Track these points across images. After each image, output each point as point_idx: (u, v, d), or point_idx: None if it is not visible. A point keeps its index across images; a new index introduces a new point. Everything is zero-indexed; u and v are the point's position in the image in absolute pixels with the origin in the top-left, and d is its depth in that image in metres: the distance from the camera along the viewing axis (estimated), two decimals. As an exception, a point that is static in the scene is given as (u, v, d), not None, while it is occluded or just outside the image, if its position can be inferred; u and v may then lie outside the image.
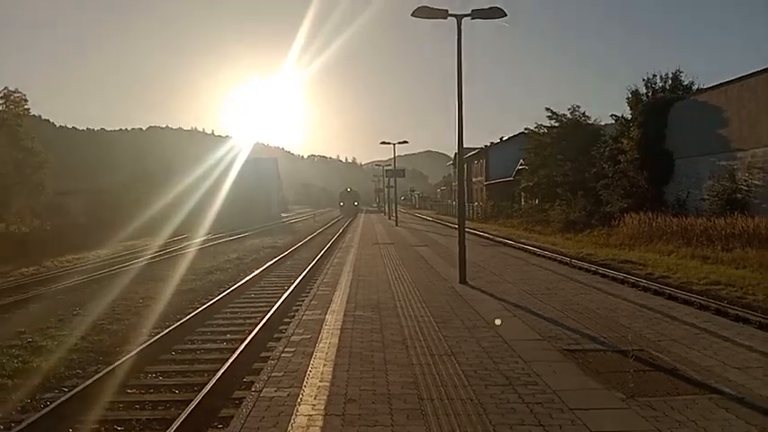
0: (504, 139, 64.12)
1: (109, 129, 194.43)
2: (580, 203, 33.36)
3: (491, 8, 12.41)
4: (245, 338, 9.45)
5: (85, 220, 38.86)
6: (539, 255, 21.20)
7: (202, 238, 33.14)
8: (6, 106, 46.77)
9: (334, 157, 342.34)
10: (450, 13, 12.60)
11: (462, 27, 12.76)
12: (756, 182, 22.82)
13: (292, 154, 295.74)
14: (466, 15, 12.63)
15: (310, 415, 5.23)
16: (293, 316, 10.42)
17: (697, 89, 30.01)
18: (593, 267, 17.22)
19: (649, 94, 31.15)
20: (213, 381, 7.26)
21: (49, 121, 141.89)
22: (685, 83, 31.26)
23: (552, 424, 4.93)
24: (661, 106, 29.22)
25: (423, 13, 12.57)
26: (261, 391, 5.90)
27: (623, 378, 6.01)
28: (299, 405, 5.47)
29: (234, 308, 13.18)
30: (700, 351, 7.07)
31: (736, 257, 17.75)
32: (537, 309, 9.91)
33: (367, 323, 8.97)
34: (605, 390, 5.76)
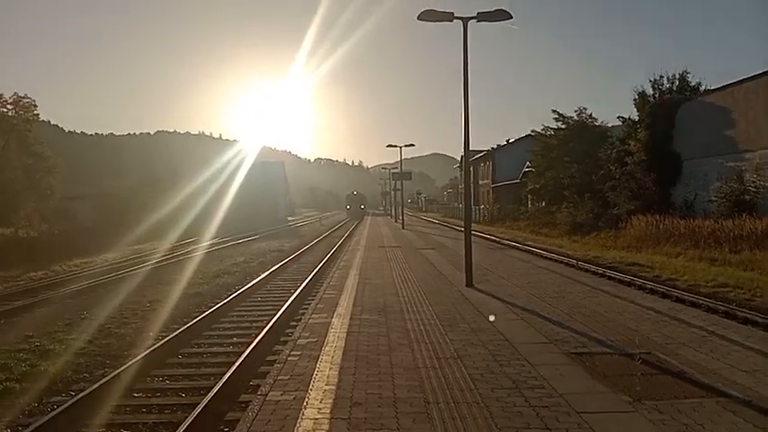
0: (510, 141, 64.10)
1: (117, 133, 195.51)
2: (587, 206, 33.26)
3: (496, 11, 12.41)
4: (252, 342, 9.48)
5: (93, 224, 39.05)
6: (545, 257, 21.13)
7: (210, 242, 33.24)
8: (16, 112, 47.18)
9: (341, 160, 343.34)
10: (455, 15, 12.61)
11: (468, 29, 12.75)
12: (764, 183, 22.70)
13: (299, 157, 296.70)
14: (471, 18, 12.62)
15: (316, 419, 5.23)
16: (299, 319, 10.42)
17: (704, 90, 29.88)
18: (600, 270, 17.15)
19: (656, 95, 31.03)
20: (219, 384, 7.27)
21: (57, 126, 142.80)
22: (692, 84, 31.14)
23: (559, 427, 4.90)
24: (668, 107, 29.14)
25: (429, 16, 12.61)
26: (267, 395, 5.90)
27: (630, 381, 5.97)
28: (305, 409, 5.47)
29: (241, 311, 13.21)
30: (707, 354, 7.02)
31: (744, 259, 17.65)
32: (544, 312, 9.88)
33: (373, 326, 8.97)
34: (612, 393, 5.73)
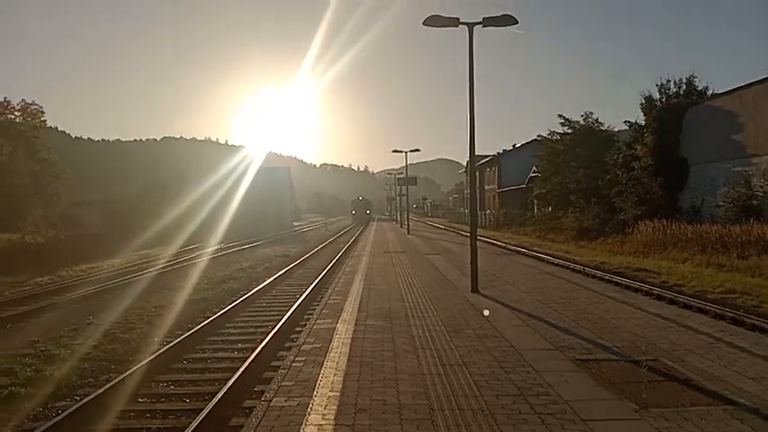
0: (516, 146, 63.99)
1: (124, 139, 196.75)
2: (593, 211, 33.15)
3: (502, 16, 12.41)
4: (256, 347, 9.46)
5: (100, 230, 39.19)
6: (552, 263, 21.05)
7: (215, 247, 33.30)
8: (23, 118, 47.56)
9: (346, 165, 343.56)
10: (461, 21, 12.60)
11: (473, 34, 12.75)
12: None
13: (305, 163, 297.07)
14: (477, 23, 12.61)
15: (320, 425, 5.21)
16: (304, 325, 10.42)
17: (711, 94, 29.77)
18: (607, 276, 17.06)
19: (663, 99, 30.92)
20: (224, 390, 7.26)
21: (65, 132, 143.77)
22: (699, 88, 31.02)
23: (564, 435, 4.87)
24: (675, 112, 29.04)
25: (434, 21, 12.61)
26: (271, 401, 5.89)
27: (636, 388, 5.93)
28: (309, 415, 5.45)
29: (245, 317, 13.20)
30: (714, 361, 6.97)
31: (752, 265, 17.52)
32: (549, 318, 9.83)
33: (378, 332, 8.94)
34: (618, 400, 5.68)
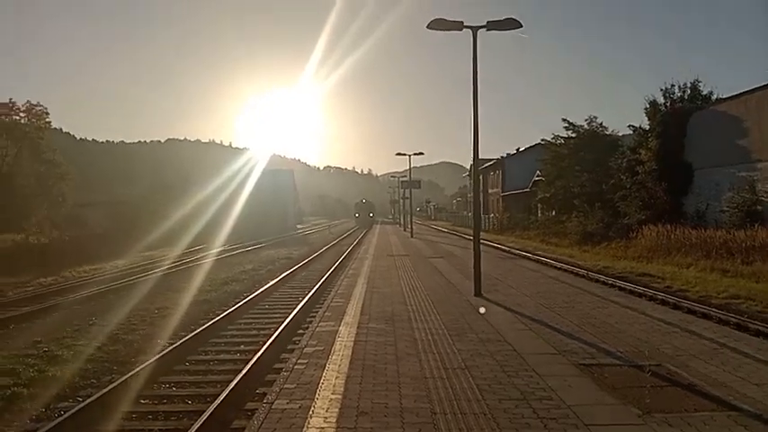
0: (520, 150, 63.99)
1: (128, 141, 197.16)
2: (597, 215, 33.09)
3: (506, 20, 12.40)
4: (259, 350, 9.46)
5: (104, 231, 39.30)
6: (555, 267, 21.02)
7: (219, 249, 33.35)
8: (28, 119, 47.75)
9: (350, 168, 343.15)
10: (465, 24, 12.60)
11: (476, 38, 12.74)
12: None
13: (309, 166, 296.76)
14: (481, 27, 12.60)
15: (322, 428, 5.20)
16: (307, 327, 10.42)
17: (716, 99, 29.70)
18: (611, 280, 17.03)
19: (667, 104, 30.89)
20: (226, 392, 7.26)
21: (69, 133, 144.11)
22: (704, 92, 30.96)
23: (566, 440, 4.85)
24: (679, 116, 28.98)
25: (438, 25, 12.62)
26: (273, 403, 5.88)
27: (640, 393, 5.90)
28: (311, 417, 5.44)
29: (248, 319, 13.21)
30: (718, 366, 6.93)
31: (756, 271, 17.45)
32: (553, 322, 9.80)
33: (381, 335, 8.93)
34: (621, 405, 5.66)
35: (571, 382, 6.42)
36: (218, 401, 6.90)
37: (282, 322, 11.74)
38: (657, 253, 23.31)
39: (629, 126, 33.15)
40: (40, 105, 48.35)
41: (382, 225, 77.23)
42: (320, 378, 6.70)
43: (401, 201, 63.82)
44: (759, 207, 22.83)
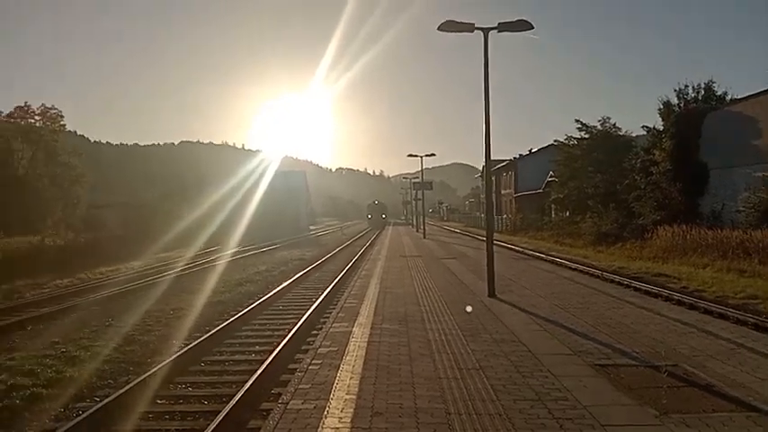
0: (533, 150, 63.73)
1: (142, 143, 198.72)
2: (612, 216, 32.88)
3: (518, 21, 12.35)
4: (273, 350, 9.50)
5: (119, 233, 39.60)
6: (570, 268, 20.90)
7: (233, 251, 33.52)
8: (43, 123, 48.28)
9: (362, 170, 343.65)
10: (476, 26, 12.56)
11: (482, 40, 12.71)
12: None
13: (321, 167, 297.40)
14: (492, 28, 12.56)
15: (337, 428, 5.22)
16: (321, 328, 10.44)
17: (730, 99, 29.42)
18: (626, 281, 16.91)
19: (681, 104, 30.65)
20: (241, 392, 7.30)
21: (83, 136, 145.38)
22: (718, 93, 30.70)
23: (583, 440, 4.83)
24: (694, 117, 28.75)
25: (449, 27, 12.59)
26: (288, 404, 5.91)
27: (656, 394, 5.86)
28: (326, 418, 5.46)
29: (262, 320, 13.26)
30: (736, 367, 6.86)
31: (774, 271, 17.26)
32: (567, 323, 9.75)
33: (394, 336, 8.94)
34: (638, 406, 5.62)
35: (587, 382, 6.39)
36: (233, 402, 6.94)
37: (296, 323, 11.79)
38: (673, 253, 23.14)
39: (642, 127, 32.95)
40: (55, 108, 48.90)
41: (395, 226, 77.23)
42: (335, 378, 6.72)
43: (413, 202, 63.77)
44: (776, 207, 22.57)
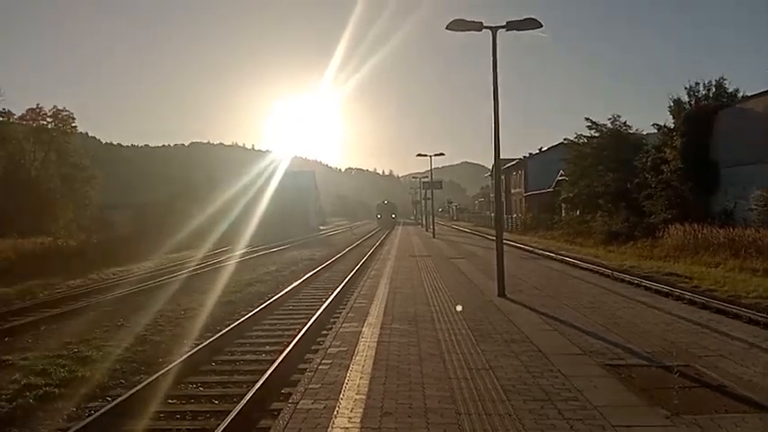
0: (543, 149, 63.51)
1: (153, 145, 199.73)
2: (622, 215, 32.69)
3: (526, 19, 12.32)
4: (283, 350, 9.53)
5: (131, 233, 39.86)
6: (580, 267, 20.82)
7: (243, 251, 33.63)
8: (55, 124, 48.62)
9: (371, 169, 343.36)
10: (485, 25, 12.54)
11: (498, 39, 12.68)
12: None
13: (330, 167, 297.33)
14: (501, 27, 12.54)
15: (346, 428, 5.23)
16: (330, 328, 10.46)
17: (742, 97, 29.16)
18: (637, 280, 16.82)
19: (692, 102, 30.42)
20: (252, 392, 7.33)
21: (95, 137, 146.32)
22: (730, 90, 30.44)
23: (593, 441, 4.81)
24: (705, 114, 28.53)
25: (458, 26, 12.58)
26: (298, 403, 5.93)
27: (667, 394, 5.83)
28: (336, 418, 5.48)
29: (272, 320, 13.31)
30: (749, 367, 6.81)
31: (787, 270, 17.11)
32: (578, 323, 9.72)
33: (404, 336, 8.94)
34: (648, 406, 5.59)
35: (597, 382, 6.37)
36: (243, 401, 6.97)
37: (306, 323, 11.82)
38: (684, 252, 22.97)
39: (653, 125, 32.73)
40: (66, 110, 49.21)
41: (404, 226, 77.21)
42: (344, 378, 6.73)
43: (423, 201, 63.75)
44: (789, 205, 22.37)
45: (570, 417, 5.33)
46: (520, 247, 31.33)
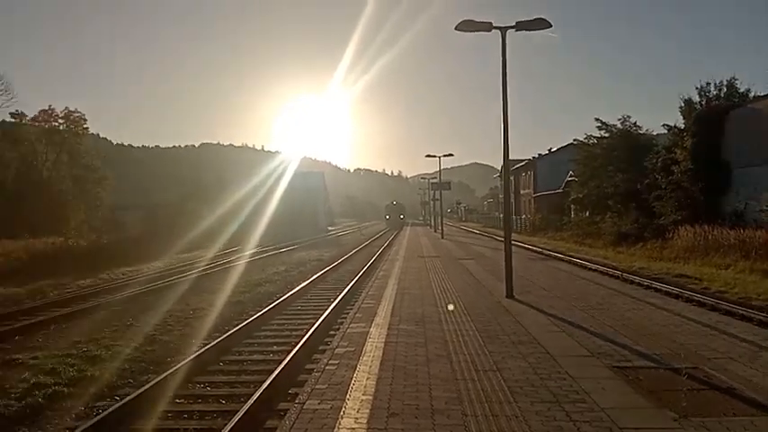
0: (552, 150, 63.27)
1: (163, 146, 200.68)
2: (632, 216, 32.51)
3: (535, 20, 12.27)
4: (291, 350, 9.55)
5: (141, 233, 40.10)
6: (589, 269, 20.73)
7: (252, 251, 33.75)
8: (66, 126, 49.03)
9: (380, 170, 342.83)
10: (494, 25, 12.51)
11: (507, 39, 12.64)
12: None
13: (339, 168, 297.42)
14: (510, 27, 12.50)
15: (353, 428, 5.23)
16: (338, 328, 10.47)
17: (754, 97, 28.91)
18: (646, 282, 16.72)
19: (703, 102, 30.21)
20: (259, 392, 7.35)
21: (106, 139, 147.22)
22: (741, 90, 30.21)
23: (600, 443, 4.78)
24: (716, 115, 28.30)
25: (467, 26, 12.55)
26: (304, 403, 5.94)
27: (676, 397, 5.79)
28: (342, 418, 5.48)
29: (280, 320, 13.34)
30: (759, 369, 6.75)
31: (798, 272, 16.95)
32: (586, 324, 9.67)
33: (411, 337, 8.94)
34: (656, 409, 5.56)
35: (605, 384, 6.34)
36: (251, 401, 7.00)
37: (314, 323, 11.84)
38: (694, 254, 22.82)
39: (663, 125, 32.54)
40: (78, 112, 49.62)
41: (413, 227, 77.18)
42: (351, 379, 6.73)
43: (431, 202, 63.70)
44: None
45: (577, 419, 5.30)
46: (528, 249, 31.24)
